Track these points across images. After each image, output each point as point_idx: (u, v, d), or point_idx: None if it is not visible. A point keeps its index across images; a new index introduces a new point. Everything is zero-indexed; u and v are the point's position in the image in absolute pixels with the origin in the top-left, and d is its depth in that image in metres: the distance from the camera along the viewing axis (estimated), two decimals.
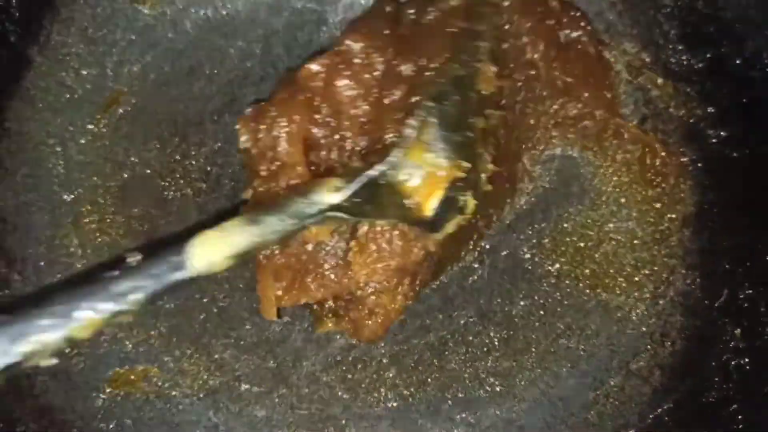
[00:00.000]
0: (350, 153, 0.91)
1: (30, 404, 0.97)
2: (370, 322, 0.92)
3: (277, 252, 0.91)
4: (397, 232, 0.88)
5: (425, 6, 0.91)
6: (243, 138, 0.91)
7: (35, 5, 1.00)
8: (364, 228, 0.88)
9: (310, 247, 0.90)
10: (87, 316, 0.78)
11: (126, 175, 1.02)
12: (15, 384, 0.97)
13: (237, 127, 0.92)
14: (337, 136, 0.91)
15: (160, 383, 0.99)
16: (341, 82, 0.90)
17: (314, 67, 0.91)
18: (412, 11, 0.92)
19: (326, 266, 0.91)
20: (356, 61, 0.90)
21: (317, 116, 0.91)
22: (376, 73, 0.90)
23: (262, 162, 0.91)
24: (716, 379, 0.93)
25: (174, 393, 0.99)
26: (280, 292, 0.91)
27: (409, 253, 0.89)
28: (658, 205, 1.01)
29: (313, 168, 0.92)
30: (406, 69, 0.89)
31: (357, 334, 0.94)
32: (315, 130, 0.91)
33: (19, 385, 0.97)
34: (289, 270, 0.91)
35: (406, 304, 0.94)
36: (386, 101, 0.89)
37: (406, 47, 0.90)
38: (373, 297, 0.91)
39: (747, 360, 0.92)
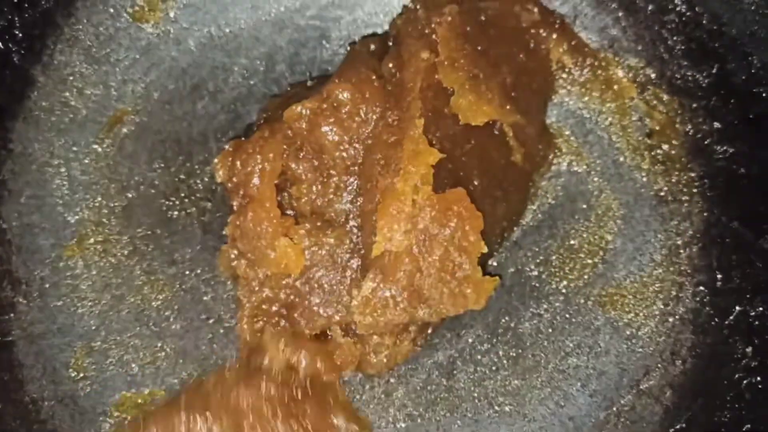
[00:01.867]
0: (335, 189, 0.91)
1: (36, 430, 0.96)
2: (374, 360, 0.92)
3: (257, 287, 0.91)
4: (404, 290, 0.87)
5: (402, 62, 0.92)
6: (219, 172, 0.92)
7: (38, 25, 1.00)
8: (368, 283, 0.87)
9: (291, 280, 0.90)
10: None
11: (130, 195, 1.02)
12: (21, 410, 0.96)
13: (215, 161, 0.93)
14: (319, 173, 0.91)
15: None
16: (326, 128, 0.90)
17: (300, 109, 0.91)
18: (391, 65, 0.92)
19: (314, 300, 0.90)
20: (343, 109, 0.90)
21: (300, 153, 0.91)
22: (358, 119, 0.91)
23: (234, 196, 0.92)
24: (728, 397, 0.92)
25: None
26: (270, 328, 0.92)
27: (416, 312, 0.88)
28: (666, 222, 1.00)
29: (293, 203, 0.92)
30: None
31: (361, 368, 0.93)
32: (295, 166, 0.91)
33: (25, 410, 0.96)
34: (272, 305, 0.91)
35: (414, 349, 0.94)
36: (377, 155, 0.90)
37: (391, 99, 0.90)
38: (375, 337, 0.91)
39: (759, 378, 0.91)
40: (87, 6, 1.02)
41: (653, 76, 1.03)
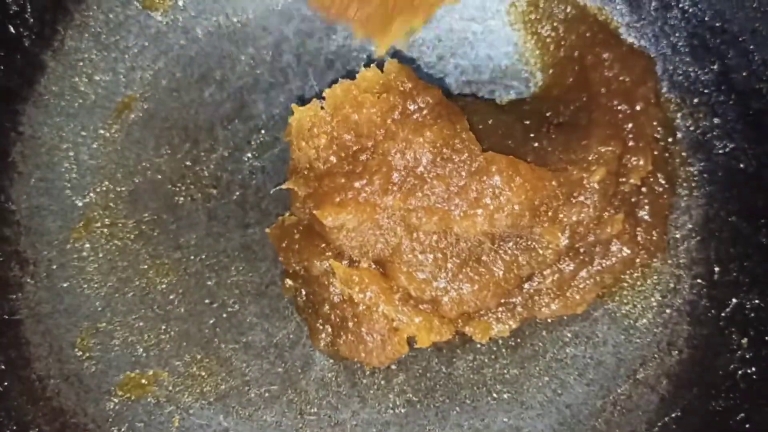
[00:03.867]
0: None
1: (42, 407, 0.97)
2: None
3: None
4: None
5: None
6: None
7: (50, 11, 1.01)
8: None
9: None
10: None
11: (137, 180, 1.03)
12: (27, 387, 0.97)
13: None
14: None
15: (170, 387, 1.00)
16: None
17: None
18: None
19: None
20: None
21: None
22: None
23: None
24: (723, 387, 0.93)
25: (184, 397, 1.00)
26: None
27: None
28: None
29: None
30: None
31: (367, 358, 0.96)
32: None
33: (31, 388, 0.98)
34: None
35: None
36: None
37: None
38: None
39: (754, 369, 0.92)
40: None
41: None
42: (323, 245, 0.94)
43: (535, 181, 0.90)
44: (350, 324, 0.93)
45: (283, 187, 0.95)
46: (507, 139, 0.94)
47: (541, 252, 0.92)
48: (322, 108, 0.93)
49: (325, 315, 0.94)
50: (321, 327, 0.95)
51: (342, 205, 0.90)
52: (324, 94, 0.92)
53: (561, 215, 0.92)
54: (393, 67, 0.92)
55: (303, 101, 1.01)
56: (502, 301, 0.95)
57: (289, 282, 0.98)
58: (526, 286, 0.95)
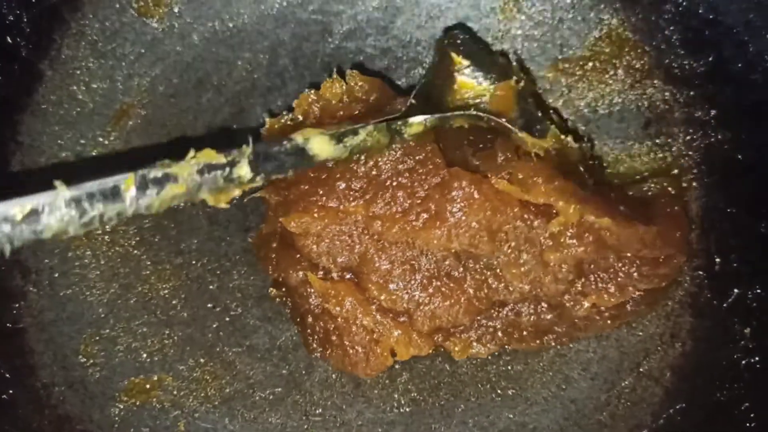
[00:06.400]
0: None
1: (48, 415, 0.98)
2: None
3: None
4: None
5: None
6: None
7: (46, 20, 1.01)
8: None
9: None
10: None
11: None
12: (33, 395, 0.98)
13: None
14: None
15: (175, 392, 1.00)
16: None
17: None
18: None
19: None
20: None
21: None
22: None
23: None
24: (727, 378, 0.93)
25: (189, 401, 1.00)
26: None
27: None
28: None
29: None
30: None
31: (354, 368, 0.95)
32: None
33: (37, 396, 0.98)
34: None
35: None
36: None
37: None
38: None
39: (757, 359, 0.92)
40: (93, 1, 1.03)
41: (650, 65, 1.03)
42: (298, 255, 0.94)
43: (497, 203, 0.89)
44: (333, 337, 0.93)
45: (256, 195, 0.97)
46: (489, 157, 0.93)
47: (507, 284, 0.92)
48: (292, 119, 0.95)
49: (311, 326, 0.94)
50: (310, 338, 0.95)
51: (305, 210, 0.91)
52: (293, 105, 0.95)
53: (523, 258, 0.91)
54: (355, 78, 0.94)
55: None
56: (483, 322, 0.95)
57: (273, 291, 0.98)
58: (505, 311, 0.95)
